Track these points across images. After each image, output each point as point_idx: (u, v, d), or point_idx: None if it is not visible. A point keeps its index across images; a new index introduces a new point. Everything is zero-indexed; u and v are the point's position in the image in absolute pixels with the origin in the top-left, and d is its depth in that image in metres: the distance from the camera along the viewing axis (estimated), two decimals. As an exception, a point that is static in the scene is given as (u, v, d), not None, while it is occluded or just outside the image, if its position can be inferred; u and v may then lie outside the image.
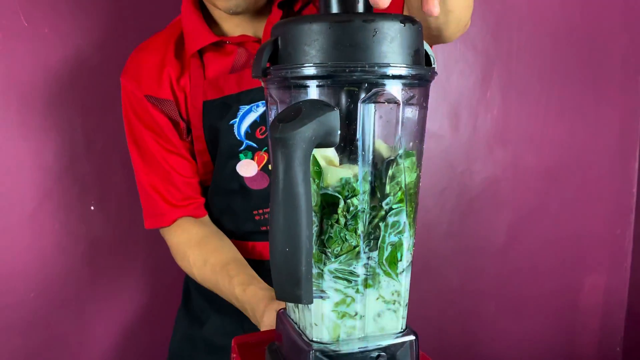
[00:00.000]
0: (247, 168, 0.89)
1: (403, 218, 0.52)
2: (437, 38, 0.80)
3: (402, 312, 0.55)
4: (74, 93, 1.13)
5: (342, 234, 0.51)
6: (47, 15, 1.09)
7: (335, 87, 0.49)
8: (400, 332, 0.55)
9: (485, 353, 1.55)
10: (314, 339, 0.53)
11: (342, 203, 0.50)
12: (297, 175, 0.45)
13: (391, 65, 0.48)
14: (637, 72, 1.55)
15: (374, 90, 0.48)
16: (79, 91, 1.14)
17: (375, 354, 0.53)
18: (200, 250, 0.87)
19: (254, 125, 0.88)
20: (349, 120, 0.49)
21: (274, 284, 0.47)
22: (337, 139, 0.48)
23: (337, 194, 0.50)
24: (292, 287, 0.46)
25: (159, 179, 0.90)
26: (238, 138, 0.88)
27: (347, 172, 0.51)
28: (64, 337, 1.21)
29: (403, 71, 0.48)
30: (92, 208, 1.18)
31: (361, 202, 0.50)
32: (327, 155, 0.52)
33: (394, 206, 0.52)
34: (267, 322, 0.69)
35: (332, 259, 0.51)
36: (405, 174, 0.52)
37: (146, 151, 0.90)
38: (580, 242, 1.58)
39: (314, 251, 0.51)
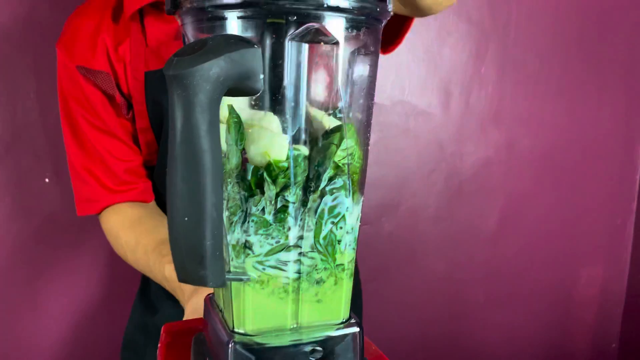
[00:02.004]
0: None
1: (343, 193, 0.43)
2: (414, 10, 0.67)
3: (345, 299, 0.46)
4: (27, 54, 1.05)
5: (268, 230, 0.42)
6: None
7: (258, 20, 0.40)
8: (342, 323, 0.47)
9: (473, 346, 1.48)
10: (236, 330, 0.44)
11: (270, 189, 0.41)
12: (199, 125, 0.36)
13: (327, -7, 0.39)
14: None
15: (305, 25, 0.39)
16: (32, 51, 1.05)
17: (309, 347, 0.45)
18: (133, 231, 0.79)
19: None
20: (275, 63, 0.40)
21: (173, 261, 0.38)
22: (260, 85, 0.39)
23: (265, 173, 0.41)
24: (194, 265, 0.38)
25: (93, 161, 0.82)
26: None
27: (282, 139, 0.41)
28: (18, 317, 1.14)
29: (342, 2, 0.39)
30: (46, 180, 1.10)
31: (293, 184, 0.41)
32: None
33: (336, 180, 0.43)
34: (190, 308, 0.61)
35: (255, 253, 0.42)
36: (349, 136, 0.43)
37: (79, 130, 0.82)
38: (577, 231, 1.50)
39: (233, 240, 0.42)
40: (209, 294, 0.53)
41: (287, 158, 0.41)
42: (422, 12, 0.69)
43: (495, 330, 1.49)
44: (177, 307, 0.89)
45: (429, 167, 1.36)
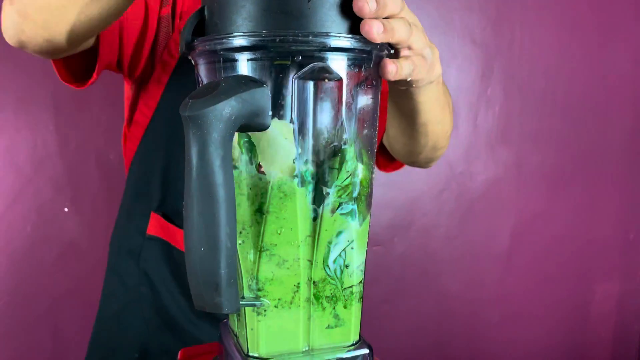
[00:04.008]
0: None
1: (350, 218, 0.45)
2: (413, 162, 0.77)
3: (355, 321, 0.48)
4: (46, 90, 1.09)
5: (280, 254, 0.44)
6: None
7: (266, 61, 0.42)
8: (352, 345, 0.48)
9: (489, 365, 1.46)
10: (250, 354, 0.46)
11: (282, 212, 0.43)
12: (213, 161, 0.38)
13: (330, 34, 0.41)
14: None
15: (310, 64, 0.42)
16: (51, 88, 1.09)
17: (321, 370, 0.46)
18: None
19: None
20: (284, 100, 0.42)
21: (190, 289, 0.40)
22: (269, 121, 0.42)
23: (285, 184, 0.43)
24: (210, 293, 0.40)
25: None
26: None
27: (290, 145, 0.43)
28: (39, 345, 1.16)
29: (344, 42, 0.42)
30: (65, 210, 1.13)
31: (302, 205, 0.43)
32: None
33: (343, 206, 0.45)
34: None
35: (267, 277, 0.44)
36: (354, 164, 0.45)
37: None
38: (590, 247, 1.49)
39: (247, 264, 0.44)
40: (225, 320, 0.55)
41: (295, 174, 0.43)
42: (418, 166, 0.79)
43: (511, 349, 1.48)
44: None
45: (439, 187, 1.37)
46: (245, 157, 0.44)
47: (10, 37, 0.60)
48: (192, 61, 0.47)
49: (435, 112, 0.61)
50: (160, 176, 0.77)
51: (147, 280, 0.79)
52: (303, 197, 0.43)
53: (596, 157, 1.46)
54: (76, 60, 0.70)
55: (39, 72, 1.07)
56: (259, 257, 0.44)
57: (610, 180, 1.48)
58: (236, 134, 0.43)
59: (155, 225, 0.78)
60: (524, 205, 1.43)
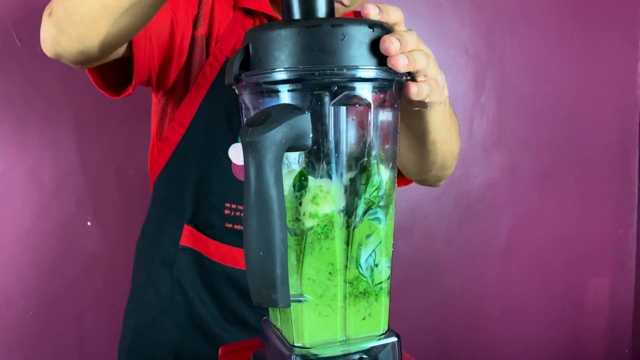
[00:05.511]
0: (240, 154, 0.78)
1: (377, 222, 0.52)
2: (423, 181, 0.84)
3: (384, 314, 0.55)
4: (68, 110, 1.15)
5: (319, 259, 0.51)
6: (39, 36, 1.11)
7: (306, 91, 0.49)
8: (383, 334, 0.55)
9: (490, 359, 1.53)
10: (295, 344, 0.53)
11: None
12: (268, 179, 0.45)
13: (360, 67, 0.48)
14: (634, 71, 1.55)
15: (344, 92, 0.49)
16: (73, 108, 1.15)
17: (357, 356, 0.53)
18: None
19: None
20: (321, 123, 0.50)
21: (250, 288, 0.47)
22: (310, 142, 0.48)
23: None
24: (267, 291, 0.46)
25: None
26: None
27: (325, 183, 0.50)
28: (65, 356, 1.21)
29: (371, 73, 0.49)
30: (88, 224, 1.18)
31: (338, 217, 0.50)
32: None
33: (371, 213, 0.52)
34: None
35: (309, 278, 0.51)
36: (381, 175, 0.52)
37: None
38: (582, 243, 1.57)
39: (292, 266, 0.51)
40: (265, 316, 0.61)
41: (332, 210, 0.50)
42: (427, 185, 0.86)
43: (510, 342, 1.54)
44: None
45: (439, 191, 1.45)
46: (296, 189, 0.51)
47: (47, 49, 0.65)
48: (237, 90, 0.54)
49: (443, 131, 0.68)
50: (192, 191, 0.83)
51: (180, 288, 0.84)
52: (338, 209, 0.50)
53: (586, 158, 1.54)
54: (111, 73, 0.76)
55: (62, 93, 1.13)
56: (302, 260, 0.51)
57: (600, 179, 1.56)
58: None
59: (188, 237, 0.83)
60: (519, 205, 1.51)
